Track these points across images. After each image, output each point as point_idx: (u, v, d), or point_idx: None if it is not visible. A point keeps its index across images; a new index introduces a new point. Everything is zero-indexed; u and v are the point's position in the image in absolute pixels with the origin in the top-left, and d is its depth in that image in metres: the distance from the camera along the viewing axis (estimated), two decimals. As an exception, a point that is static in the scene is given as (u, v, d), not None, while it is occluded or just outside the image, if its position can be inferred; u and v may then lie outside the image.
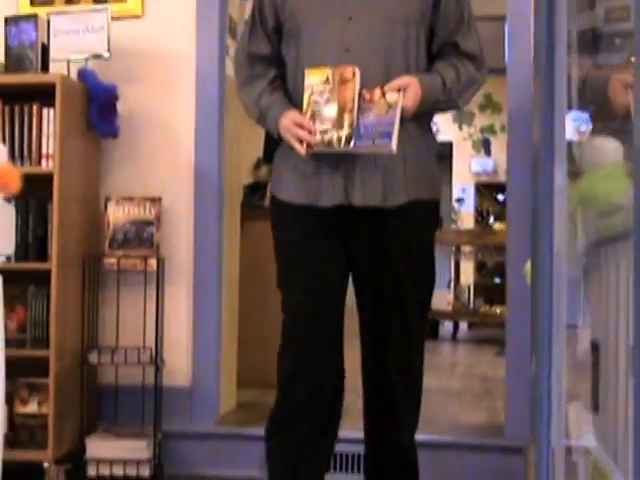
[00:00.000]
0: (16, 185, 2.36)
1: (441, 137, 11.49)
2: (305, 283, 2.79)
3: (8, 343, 3.66)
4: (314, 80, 2.62)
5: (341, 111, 2.57)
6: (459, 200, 11.21)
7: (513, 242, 3.90)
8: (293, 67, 2.80)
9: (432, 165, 2.86)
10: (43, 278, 3.72)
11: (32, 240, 3.80)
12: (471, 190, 11.38)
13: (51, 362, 3.67)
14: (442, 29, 2.79)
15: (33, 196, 3.78)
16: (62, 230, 3.74)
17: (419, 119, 2.74)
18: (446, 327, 10.02)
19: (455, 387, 5.70)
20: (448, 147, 11.54)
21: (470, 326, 10.56)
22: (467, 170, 11.42)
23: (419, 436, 3.97)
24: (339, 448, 3.82)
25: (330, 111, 2.59)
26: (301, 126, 2.63)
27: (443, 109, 2.91)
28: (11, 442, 3.74)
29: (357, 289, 2.89)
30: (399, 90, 2.58)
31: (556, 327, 1.52)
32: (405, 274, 2.77)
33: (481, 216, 10.97)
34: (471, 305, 9.62)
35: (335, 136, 2.57)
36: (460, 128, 11.51)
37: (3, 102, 3.82)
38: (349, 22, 2.67)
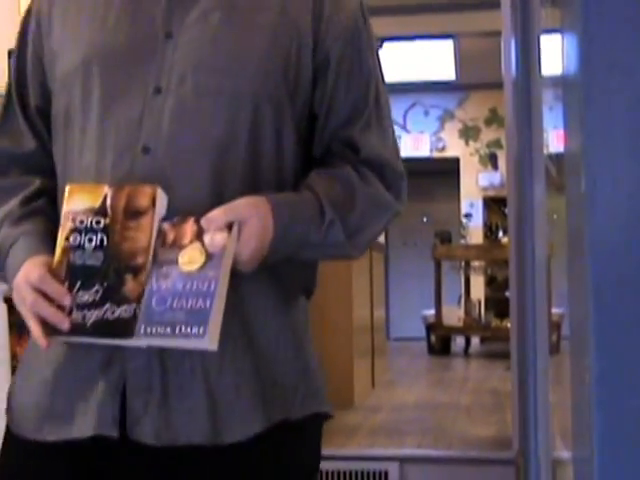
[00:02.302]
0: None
1: (448, 153, 11.53)
2: None
3: (17, 370, 3.71)
4: (78, 207, 1.39)
5: (121, 268, 1.35)
6: (467, 215, 11.21)
7: (515, 255, 3.91)
8: (61, 176, 1.53)
9: (310, 357, 1.56)
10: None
11: (38, 267, 3.83)
12: (479, 205, 11.38)
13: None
14: (329, 113, 1.52)
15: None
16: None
17: (282, 276, 1.49)
18: (458, 342, 10.00)
19: (465, 402, 5.70)
20: (455, 163, 11.56)
21: (482, 341, 10.54)
22: (474, 185, 11.43)
23: (427, 451, 3.99)
24: (346, 466, 3.85)
25: (101, 267, 1.36)
26: (44, 293, 1.36)
27: (321, 257, 1.57)
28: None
29: None
30: (230, 227, 1.33)
31: (539, 336, 1.54)
32: None
33: (490, 230, 10.97)
34: (482, 320, 9.60)
35: (106, 316, 1.33)
36: (467, 143, 11.53)
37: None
38: (155, 98, 1.44)
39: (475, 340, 10.30)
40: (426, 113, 11.59)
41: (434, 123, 11.61)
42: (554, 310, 7.37)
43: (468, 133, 11.53)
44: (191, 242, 1.33)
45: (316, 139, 1.54)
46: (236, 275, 1.35)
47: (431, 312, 9.57)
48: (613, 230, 0.98)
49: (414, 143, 11.56)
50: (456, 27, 8.36)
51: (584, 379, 0.92)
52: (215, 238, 1.33)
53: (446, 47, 9.63)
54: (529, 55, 1.57)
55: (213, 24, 1.46)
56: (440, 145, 11.58)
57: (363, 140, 1.51)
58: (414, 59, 10.19)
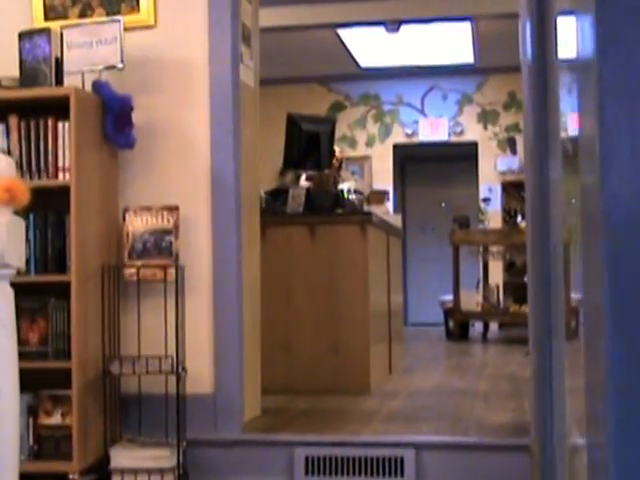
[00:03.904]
0: (24, 198, 2.38)
1: (466, 137, 11.46)
2: None
3: (30, 355, 3.71)
4: None
5: None
6: (485, 200, 11.16)
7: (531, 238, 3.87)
8: None
9: None
10: (63, 290, 3.74)
11: (51, 253, 3.82)
12: (498, 189, 11.32)
13: (73, 374, 3.69)
14: None
15: (51, 209, 3.81)
16: (81, 242, 3.76)
17: None
18: (476, 328, 9.96)
19: (483, 388, 5.66)
20: (473, 147, 11.49)
21: (501, 326, 10.50)
22: (493, 169, 11.36)
23: (443, 437, 3.96)
24: (362, 452, 3.82)
25: None
26: None
27: None
28: (36, 454, 3.77)
29: None
30: None
31: (555, 322, 1.50)
32: None
33: (509, 215, 10.91)
34: (501, 305, 9.56)
35: None
36: (485, 128, 11.45)
37: (19, 117, 3.85)
38: None
39: (493, 325, 10.27)
40: (444, 97, 11.52)
41: (452, 107, 11.54)
42: (573, 295, 7.33)
43: (487, 117, 11.46)
44: None
45: None
46: None
47: (449, 297, 9.54)
48: (629, 209, 0.95)
49: (432, 127, 11.50)
50: (474, 9, 8.30)
51: (599, 363, 0.89)
52: None
53: (464, 30, 9.56)
54: (545, 37, 1.53)
55: None
56: (458, 129, 11.51)
57: None
58: (432, 42, 10.12)
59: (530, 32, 1.62)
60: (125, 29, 3.98)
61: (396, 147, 11.70)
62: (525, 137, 3.93)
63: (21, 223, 2.53)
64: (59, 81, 3.91)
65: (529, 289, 3.86)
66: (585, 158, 1.03)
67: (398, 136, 11.64)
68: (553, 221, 1.47)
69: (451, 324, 9.58)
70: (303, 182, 5.98)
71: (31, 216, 3.74)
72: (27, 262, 3.69)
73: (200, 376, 4.09)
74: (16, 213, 2.56)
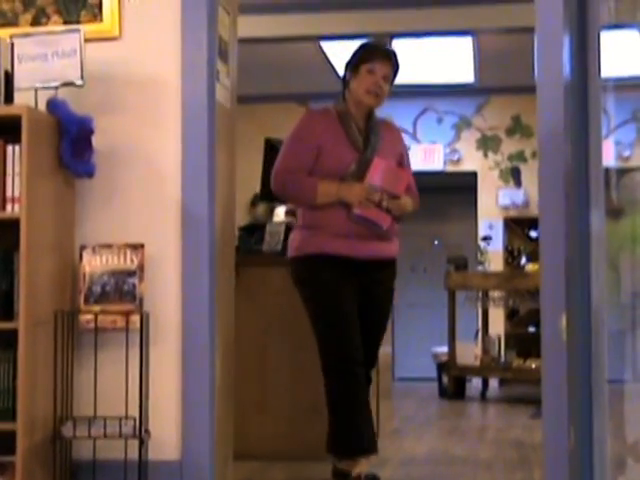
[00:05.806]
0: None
1: (464, 166, 11.52)
2: None
3: (-30, 415, 3.67)
4: None
5: None
6: (486, 238, 11.18)
7: (548, 286, 3.89)
8: None
9: None
10: (9, 339, 3.72)
11: (-4, 295, 3.81)
12: (499, 226, 11.35)
13: (18, 437, 3.66)
14: None
15: (-3, 245, 3.80)
16: (30, 283, 3.74)
17: None
18: (474, 384, 9.95)
19: (485, 455, 5.66)
20: (472, 177, 11.54)
21: (501, 383, 10.49)
22: (494, 203, 11.41)
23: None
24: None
25: None
26: None
27: None
28: (-26, 529, 3.73)
29: None
30: None
31: (596, 388, 1.51)
32: None
33: (511, 256, 10.95)
34: (502, 359, 9.56)
35: None
36: (485, 156, 11.52)
37: (-38, 138, 3.85)
38: None
39: (493, 382, 10.26)
40: (439, 120, 11.59)
41: (448, 132, 11.61)
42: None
43: (487, 144, 11.53)
44: None
45: None
46: None
47: (443, 349, 9.53)
48: None
49: (425, 155, 11.56)
50: (476, 22, 8.37)
51: None
52: None
53: (464, 45, 9.64)
54: (587, 55, 1.55)
55: None
56: (455, 157, 11.58)
57: None
58: (427, 58, 10.20)
59: (568, 49, 1.63)
60: (85, 40, 3.99)
61: (384, 176, 11.73)
62: (542, 165, 3.96)
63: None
64: (9, 99, 3.91)
65: (545, 342, 3.87)
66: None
67: (386, 164, 11.68)
68: (593, 274, 1.48)
69: (445, 380, 9.56)
70: (282, 217, 5.98)
71: (-26, 253, 3.73)
72: (-32, 306, 3.66)
73: (165, 440, 4.07)
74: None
